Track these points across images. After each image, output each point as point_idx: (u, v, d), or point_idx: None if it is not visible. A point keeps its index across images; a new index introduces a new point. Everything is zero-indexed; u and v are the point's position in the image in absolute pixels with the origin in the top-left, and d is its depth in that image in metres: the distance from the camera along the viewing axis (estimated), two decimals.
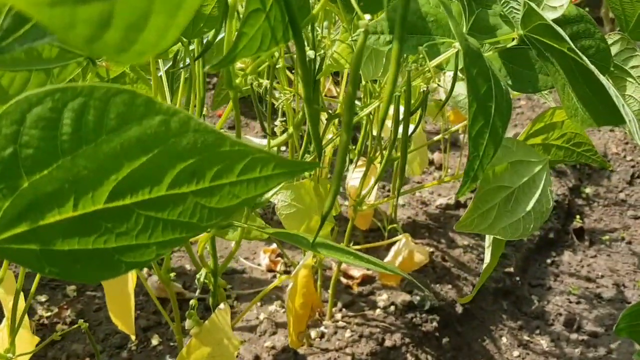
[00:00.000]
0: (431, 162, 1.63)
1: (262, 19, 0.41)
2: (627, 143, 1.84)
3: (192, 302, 0.63)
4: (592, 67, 0.50)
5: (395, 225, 1.14)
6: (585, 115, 0.57)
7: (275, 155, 0.39)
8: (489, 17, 0.64)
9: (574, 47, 0.51)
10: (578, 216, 1.61)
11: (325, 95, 0.96)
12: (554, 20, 0.60)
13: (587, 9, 2.17)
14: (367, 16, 0.44)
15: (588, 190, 1.72)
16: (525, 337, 1.20)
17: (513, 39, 0.62)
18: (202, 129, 0.36)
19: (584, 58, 0.50)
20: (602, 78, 0.49)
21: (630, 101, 0.71)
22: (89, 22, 0.21)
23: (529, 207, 0.68)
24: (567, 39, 0.50)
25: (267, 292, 0.80)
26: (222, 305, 0.66)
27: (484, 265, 0.76)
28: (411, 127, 0.70)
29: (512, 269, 1.33)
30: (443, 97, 1.17)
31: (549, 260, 1.46)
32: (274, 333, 1.01)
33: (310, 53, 0.56)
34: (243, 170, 0.38)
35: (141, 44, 0.22)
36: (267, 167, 0.39)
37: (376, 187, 1.06)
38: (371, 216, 1.14)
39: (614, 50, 0.72)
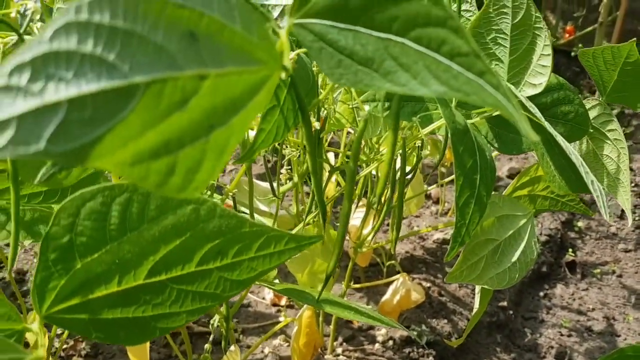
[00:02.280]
0: (428, 196, 1.69)
1: (277, 113, 0.48)
2: None
3: (206, 346, 0.69)
4: (564, 144, 0.57)
5: (393, 262, 1.20)
6: (561, 182, 0.63)
7: (286, 232, 0.45)
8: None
9: (548, 125, 0.57)
10: (570, 249, 1.67)
11: (329, 145, 1.03)
12: (534, 95, 0.67)
13: (580, 45, 2.25)
14: (367, 106, 0.51)
15: (580, 224, 1.78)
16: None
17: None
18: (226, 215, 0.42)
19: (558, 136, 0.57)
20: (573, 156, 0.56)
21: (608, 160, 0.78)
22: (158, 172, 0.27)
23: (514, 258, 0.74)
24: (540, 116, 0.57)
25: (273, 332, 0.86)
26: (232, 347, 0.72)
27: (474, 311, 0.82)
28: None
29: (505, 303, 1.38)
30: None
31: (542, 293, 1.51)
32: None
33: (316, 124, 0.63)
34: (260, 247, 0.44)
35: (196, 182, 0.29)
36: (280, 243, 0.45)
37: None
38: (370, 254, 1.20)
39: (592, 113, 0.78)
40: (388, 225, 1.48)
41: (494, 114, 0.70)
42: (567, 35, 2.52)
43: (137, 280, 0.41)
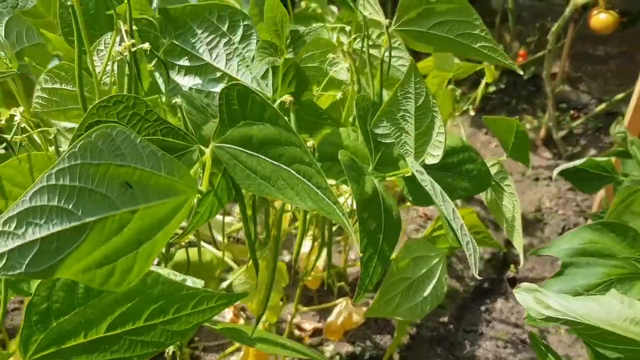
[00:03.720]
0: None
1: (211, 196, 0.61)
2: (559, 198, 2.07)
3: None
4: (447, 212, 0.70)
5: (342, 283, 1.34)
6: (452, 236, 0.77)
7: (216, 292, 0.58)
8: (393, 152, 0.84)
9: (434, 194, 0.71)
10: (512, 265, 1.83)
11: None
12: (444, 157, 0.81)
13: (532, 68, 2.42)
14: None
15: (525, 241, 1.93)
16: None
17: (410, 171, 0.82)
18: (167, 282, 0.56)
19: (442, 205, 0.70)
20: (453, 223, 0.69)
21: (506, 209, 0.92)
22: (101, 276, 0.40)
23: (426, 293, 0.88)
24: (430, 188, 0.70)
25: (231, 350, 1.00)
26: None
27: (395, 336, 0.96)
28: None
29: (446, 318, 1.53)
30: None
31: (483, 308, 1.66)
32: None
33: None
34: (195, 305, 0.57)
35: (129, 279, 0.42)
36: (211, 301, 0.58)
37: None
38: (320, 278, 1.34)
39: (494, 170, 0.93)
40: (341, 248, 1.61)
41: (406, 175, 0.83)
42: (520, 58, 2.69)
43: (99, 334, 0.54)
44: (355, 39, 0.98)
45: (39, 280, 0.53)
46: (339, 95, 0.97)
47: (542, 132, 2.48)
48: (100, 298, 0.53)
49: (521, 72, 0.94)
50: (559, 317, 0.66)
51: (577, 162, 1.04)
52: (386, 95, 0.94)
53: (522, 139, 0.87)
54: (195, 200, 0.60)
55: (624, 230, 0.75)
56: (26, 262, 0.37)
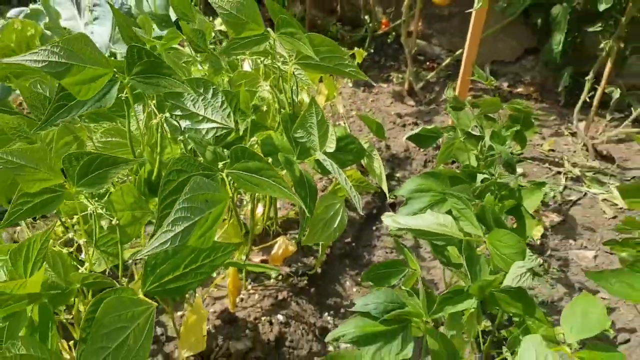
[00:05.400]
0: None
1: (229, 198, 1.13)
2: None
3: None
4: (343, 179, 1.27)
5: (278, 227, 1.90)
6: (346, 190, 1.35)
7: (225, 243, 1.12)
8: (307, 146, 1.39)
9: (332, 169, 1.27)
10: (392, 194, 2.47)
11: None
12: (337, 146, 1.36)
13: (393, 33, 3.02)
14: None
15: (398, 174, 2.58)
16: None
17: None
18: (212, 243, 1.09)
19: (337, 174, 1.27)
20: (346, 185, 1.26)
21: (375, 168, 1.51)
22: (195, 242, 0.92)
23: (335, 225, 1.46)
24: (329, 165, 1.26)
25: (214, 284, 1.53)
26: (192, 299, 1.38)
27: (319, 256, 1.53)
28: None
29: (350, 239, 2.15)
30: None
31: (374, 227, 2.30)
32: (214, 304, 1.74)
33: None
34: (216, 252, 1.11)
35: (201, 242, 0.94)
36: (226, 249, 1.12)
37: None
38: (262, 228, 1.88)
39: (366, 146, 1.50)
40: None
41: (315, 159, 1.39)
42: (383, 26, 3.29)
43: (179, 272, 1.06)
44: (272, 71, 1.50)
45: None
46: (264, 108, 1.49)
47: (406, 85, 3.12)
48: (177, 254, 1.04)
49: (366, 78, 1.50)
50: (405, 228, 1.26)
51: (415, 131, 1.64)
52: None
53: (380, 126, 1.45)
54: None
55: (438, 176, 1.37)
56: (177, 241, 0.88)
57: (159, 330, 1.64)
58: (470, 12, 2.37)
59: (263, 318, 1.70)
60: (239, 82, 1.48)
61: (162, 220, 0.90)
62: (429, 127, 1.64)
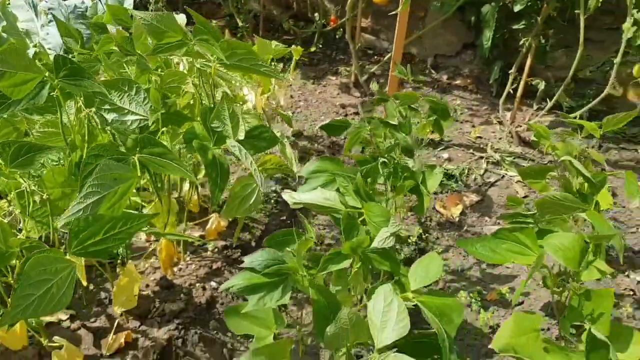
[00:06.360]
0: None
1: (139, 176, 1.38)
2: None
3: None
4: (248, 160, 1.52)
5: (218, 207, 2.15)
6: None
7: (139, 214, 1.37)
8: (222, 135, 1.63)
9: (240, 153, 1.51)
10: None
11: None
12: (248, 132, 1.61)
13: (341, 30, 3.30)
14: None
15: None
16: None
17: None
18: (124, 213, 1.34)
19: (244, 156, 1.52)
20: (254, 170, 1.51)
21: (287, 153, 1.77)
22: (105, 211, 1.17)
23: (251, 202, 1.71)
24: (235, 150, 1.51)
25: (147, 255, 1.78)
26: (128, 265, 1.63)
27: (237, 228, 1.79)
28: None
29: (285, 217, 2.40)
30: None
31: None
32: (154, 272, 1.99)
33: None
34: (132, 221, 1.36)
35: (112, 211, 1.19)
36: (140, 219, 1.37)
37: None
38: (198, 205, 2.13)
39: (279, 134, 1.75)
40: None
41: (229, 145, 1.63)
42: (332, 22, 3.53)
43: (99, 237, 1.31)
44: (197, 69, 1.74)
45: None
46: (191, 101, 1.73)
47: (352, 77, 3.37)
48: (97, 222, 1.29)
49: (278, 76, 1.74)
50: (299, 202, 1.52)
51: (327, 122, 1.89)
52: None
53: (289, 119, 1.70)
54: None
55: (334, 159, 1.62)
56: (88, 211, 1.13)
57: (103, 295, 1.89)
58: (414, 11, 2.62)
59: (197, 284, 1.96)
60: (169, 80, 1.72)
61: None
62: (337, 118, 1.90)
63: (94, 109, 1.39)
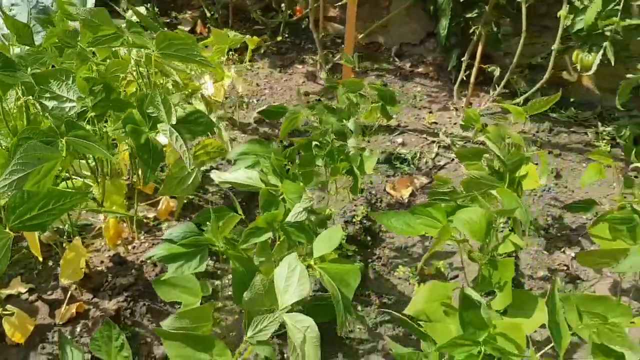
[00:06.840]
0: None
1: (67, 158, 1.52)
2: None
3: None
4: (178, 142, 1.65)
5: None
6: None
7: (74, 192, 1.52)
8: (158, 120, 1.77)
9: (172, 135, 1.65)
10: None
11: None
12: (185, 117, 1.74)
13: (307, 19, 3.44)
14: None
15: None
16: None
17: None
18: (56, 191, 1.48)
19: (175, 139, 1.65)
20: (180, 149, 1.65)
21: (223, 136, 1.90)
22: (33, 188, 1.31)
23: (189, 182, 1.85)
24: (167, 130, 1.65)
25: (95, 231, 1.93)
26: (74, 241, 1.78)
27: (177, 208, 1.93)
28: None
29: (242, 199, 2.54)
30: None
31: None
32: (109, 250, 2.14)
33: None
34: (66, 198, 1.51)
35: (41, 188, 1.33)
36: (73, 196, 1.52)
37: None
38: (152, 187, 2.27)
39: (216, 120, 1.89)
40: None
41: (163, 130, 1.77)
42: (298, 13, 3.65)
43: (34, 213, 1.45)
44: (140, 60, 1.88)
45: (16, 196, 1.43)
46: (135, 88, 1.87)
47: (318, 66, 3.49)
48: (31, 199, 1.43)
49: (211, 65, 1.88)
50: (226, 181, 1.66)
51: (264, 107, 2.02)
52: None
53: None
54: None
55: (262, 142, 1.76)
56: (14, 186, 1.27)
57: (60, 270, 2.04)
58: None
59: (149, 261, 2.11)
60: (113, 69, 1.85)
61: None
62: (276, 104, 2.03)
63: (33, 97, 1.53)
